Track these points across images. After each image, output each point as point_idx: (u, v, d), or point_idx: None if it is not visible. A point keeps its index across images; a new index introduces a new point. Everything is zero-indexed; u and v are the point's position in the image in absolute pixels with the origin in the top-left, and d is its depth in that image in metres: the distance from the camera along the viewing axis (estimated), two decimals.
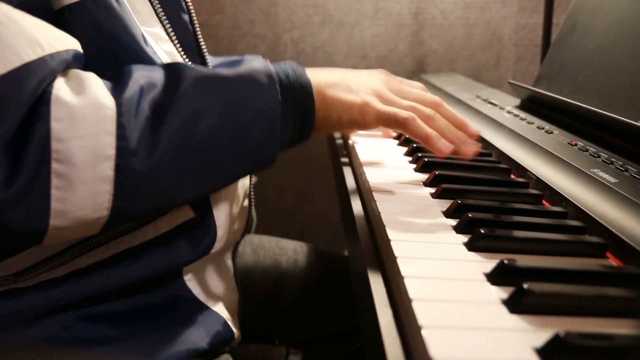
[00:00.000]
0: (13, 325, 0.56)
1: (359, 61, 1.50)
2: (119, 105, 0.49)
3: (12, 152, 0.45)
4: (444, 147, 0.59)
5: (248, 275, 0.90)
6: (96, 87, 0.49)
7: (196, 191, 0.54)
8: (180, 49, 0.66)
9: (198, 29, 0.70)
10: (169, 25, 0.65)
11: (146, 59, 0.57)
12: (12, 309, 0.56)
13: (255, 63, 0.57)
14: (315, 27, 1.48)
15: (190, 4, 0.69)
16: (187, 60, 0.67)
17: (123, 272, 0.58)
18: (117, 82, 0.52)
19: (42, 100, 0.46)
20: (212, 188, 0.56)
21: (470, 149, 0.62)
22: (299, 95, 0.57)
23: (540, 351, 0.34)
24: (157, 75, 0.53)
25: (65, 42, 0.50)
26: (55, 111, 0.46)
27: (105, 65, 0.55)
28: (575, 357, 0.34)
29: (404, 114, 0.59)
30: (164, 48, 0.64)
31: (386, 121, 0.60)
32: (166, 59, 0.62)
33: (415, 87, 0.68)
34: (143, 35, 0.58)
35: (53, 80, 0.48)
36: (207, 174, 0.53)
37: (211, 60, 1.06)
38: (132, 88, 0.50)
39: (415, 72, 1.50)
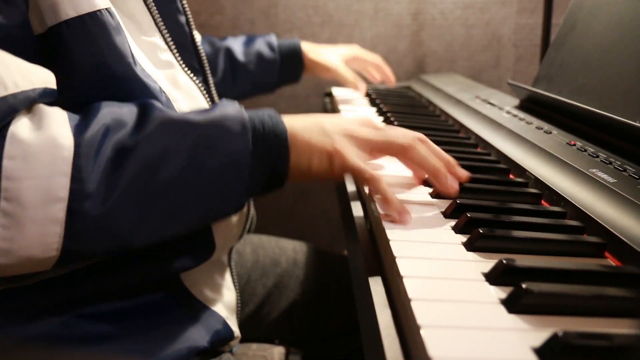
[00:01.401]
0: (12, 323, 0.56)
1: None
2: (77, 145, 0.47)
3: None
4: (398, 215, 0.53)
5: (248, 274, 0.90)
6: (57, 124, 0.48)
7: (155, 236, 0.52)
8: (178, 57, 0.66)
9: (194, 28, 0.70)
10: (167, 33, 0.65)
11: (135, 76, 0.57)
12: (11, 307, 0.56)
13: (228, 109, 0.55)
14: (315, 27, 1.48)
15: (186, 5, 0.69)
16: (184, 66, 0.67)
17: (121, 275, 0.59)
18: (82, 118, 0.50)
19: None
20: (173, 233, 0.53)
21: (452, 184, 0.57)
22: (273, 145, 0.54)
23: (538, 351, 0.34)
24: (126, 114, 0.52)
25: (33, 81, 0.49)
26: (8, 149, 0.45)
27: (96, 80, 0.54)
28: (573, 356, 0.34)
29: (367, 174, 0.55)
30: (162, 57, 0.64)
31: (353, 174, 0.56)
32: (158, 75, 0.62)
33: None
34: (132, 55, 0.57)
35: (12, 118, 0.47)
36: (168, 220, 0.51)
37: (229, 42, 1.11)
38: (96, 126, 0.49)
39: (415, 72, 1.50)
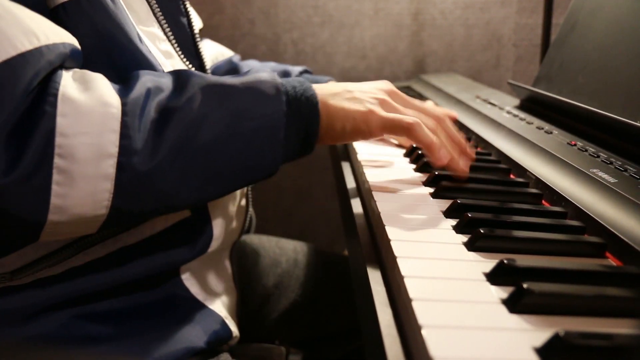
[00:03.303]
0: (9, 323, 0.56)
1: (359, 61, 1.50)
2: (124, 104, 0.49)
3: (14, 143, 0.45)
4: (444, 156, 0.59)
5: (248, 274, 0.90)
6: (102, 86, 0.50)
7: (196, 196, 0.54)
8: (177, 49, 0.66)
9: (197, 32, 0.70)
10: (166, 25, 0.65)
11: (141, 58, 0.57)
12: (8, 307, 0.56)
13: (262, 74, 0.57)
14: (315, 27, 1.48)
15: (189, 7, 0.69)
16: (184, 59, 0.67)
17: (120, 271, 0.59)
18: (124, 84, 0.52)
19: (49, 95, 0.47)
20: (212, 194, 0.56)
21: (466, 165, 0.62)
22: (304, 107, 0.57)
23: (540, 351, 0.34)
24: (165, 81, 0.54)
25: (62, 36, 0.50)
26: (61, 107, 0.46)
27: (100, 63, 0.55)
28: (575, 356, 0.34)
29: (408, 119, 0.58)
30: (161, 48, 0.64)
31: (390, 127, 0.59)
32: (162, 59, 0.62)
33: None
34: (138, 34, 0.58)
35: (52, 72, 0.48)
36: (208, 180, 0.53)
37: (253, 64, 1.06)
38: (138, 90, 0.51)
39: (415, 72, 1.50)
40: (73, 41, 0.52)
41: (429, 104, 0.68)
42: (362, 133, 0.59)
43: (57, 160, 0.46)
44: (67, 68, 0.51)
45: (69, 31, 0.53)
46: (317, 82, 1.04)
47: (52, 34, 0.49)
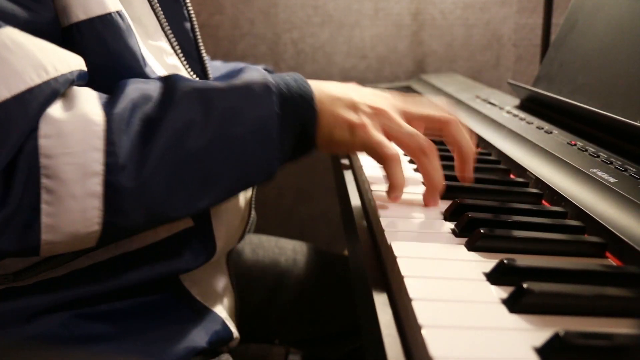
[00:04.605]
0: (11, 324, 0.56)
1: (359, 61, 1.50)
2: (108, 121, 0.48)
3: (5, 173, 0.45)
4: (396, 197, 0.56)
5: (247, 274, 0.90)
6: (87, 102, 0.49)
7: (191, 206, 0.52)
8: (184, 61, 0.66)
9: (199, 36, 0.70)
10: (173, 37, 0.65)
11: (144, 77, 0.57)
12: (10, 308, 0.56)
13: (253, 74, 0.55)
14: (315, 27, 1.48)
15: (192, 12, 0.69)
16: (190, 71, 0.67)
17: (121, 275, 0.59)
18: (110, 96, 0.51)
19: None
20: (208, 202, 0.54)
21: (433, 201, 0.57)
22: (299, 106, 0.55)
23: (540, 350, 0.34)
24: (152, 88, 0.52)
25: (70, 64, 0.50)
26: (43, 128, 0.46)
27: (107, 83, 0.54)
28: (575, 356, 0.34)
29: (389, 150, 0.55)
30: (168, 62, 0.64)
31: (370, 150, 0.56)
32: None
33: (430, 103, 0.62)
34: (142, 56, 0.58)
35: (54, 101, 0.48)
36: (201, 188, 0.52)
37: (217, 65, 1.06)
38: (124, 101, 0.50)
39: (415, 72, 1.50)
40: (80, 65, 0.52)
41: (439, 101, 0.64)
42: (346, 144, 0.56)
43: (44, 180, 0.45)
44: None
45: (79, 51, 0.53)
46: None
47: (60, 65, 0.49)
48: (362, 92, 0.59)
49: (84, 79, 0.53)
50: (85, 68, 0.53)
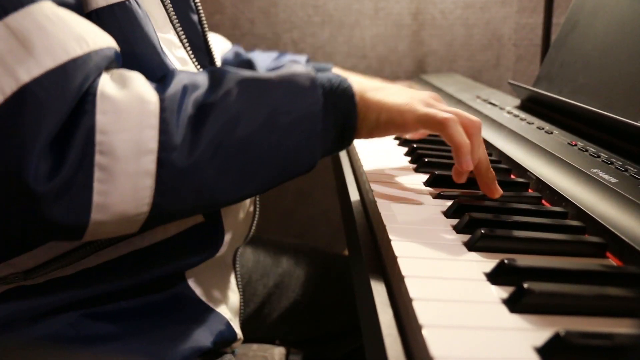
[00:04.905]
0: (20, 323, 0.56)
1: (359, 61, 1.50)
2: (162, 100, 0.49)
3: (58, 145, 0.45)
4: (467, 162, 0.55)
5: (248, 275, 0.90)
6: (140, 83, 0.50)
7: (237, 192, 0.54)
8: (191, 54, 0.66)
9: (207, 28, 0.70)
10: (181, 30, 0.65)
11: (163, 65, 0.58)
12: (20, 307, 0.56)
13: (297, 67, 0.57)
14: (315, 27, 1.48)
15: (199, 4, 0.69)
16: (197, 64, 0.67)
17: (131, 273, 0.59)
18: (161, 81, 0.52)
19: (88, 95, 0.47)
20: (251, 190, 0.55)
21: (493, 188, 0.58)
22: (340, 100, 0.57)
23: (540, 350, 0.34)
24: (201, 78, 0.54)
25: (107, 40, 0.51)
26: (100, 105, 0.47)
27: (127, 66, 0.55)
28: (575, 356, 0.34)
29: (443, 114, 0.56)
30: (176, 54, 0.64)
31: (425, 121, 0.57)
32: (178, 66, 0.62)
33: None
34: (160, 45, 0.59)
35: (98, 75, 0.49)
36: (247, 175, 0.53)
37: (254, 55, 1.09)
38: (175, 86, 0.51)
39: (415, 72, 1.50)
40: (115, 44, 0.53)
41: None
42: (396, 125, 0.58)
43: (98, 158, 0.46)
44: (106, 69, 0.51)
45: None
46: (320, 69, 1.07)
47: (98, 39, 0.50)
48: (399, 86, 0.62)
49: (119, 60, 0.53)
50: (118, 49, 0.53)
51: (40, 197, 0.44)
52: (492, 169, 0.58)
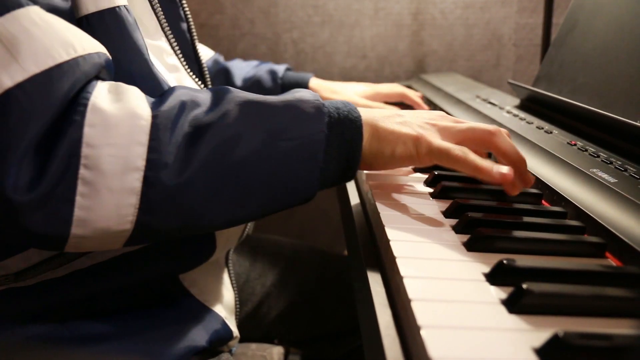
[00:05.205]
0: (12, 324, 0.56)
1: (359, 61, 1.50)
2: (154, 117, 0.48)
3: (41, 154, 0.44)
4: (496, 176, 0.52)
5: (247, 274, 0.90)
6: (134, 98, 0.49)
7: (226, 216, 0.51)
8: (183, 61, 0.66)
9: (195, 37, 0.71)
10: (172, 38, 0.65)
11: (150, 73, 0.57)
12: (12, 308, 0.56)
13: (304, 93, 0.55)
14: (315, 27, 1.48)
15: (188, 12, 0.70)
16: (189, 71, 0.67)
17: (122, 275, 0.59)
18: (159, 97, 0.51)
19: (79, 105, 0.46)
20: (242, 217, 0.52)
21: (515, 187, 0.54)
22: (347, 131, 0.53)
23: (539, 351, 0.34)
24: (203, 96, 0.52)
25: (96, 46, 0.50)
26: (90, 117, 0.46)
27: (116, 78, 0.54)
28: (574, 357, 0.34)
29: (457, 150, 0.53)
30: (168, 61, 0.64)
31: (438, 156, 0.54)
32: (167, 74, 0.62)
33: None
34: (148, 53, 0.58)
35: (87, 83, 0.48)
36: (238, 201, 0.50)
37: (239, 64, 1.07)
38: (171, 102, 0.49)
39: (415, 72, 1.50)
40: (105, 51, 0.52)
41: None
42: (411, 158, 0.55)
43: (82, 171, 0.45)
44: (103, 79, 0.51)
45: None
46: (299, 79, 1.05)
47: (87, 45, 0.49)
48: (409, 110, 0.59)
49: (111, 67, 0.52)
50: (110, 57, 0.52)
51: (18, 207, 0.43)
52: (524, 159, 0.56)
